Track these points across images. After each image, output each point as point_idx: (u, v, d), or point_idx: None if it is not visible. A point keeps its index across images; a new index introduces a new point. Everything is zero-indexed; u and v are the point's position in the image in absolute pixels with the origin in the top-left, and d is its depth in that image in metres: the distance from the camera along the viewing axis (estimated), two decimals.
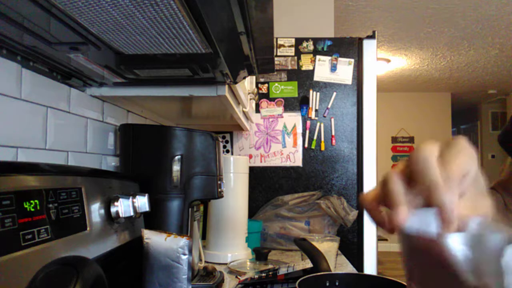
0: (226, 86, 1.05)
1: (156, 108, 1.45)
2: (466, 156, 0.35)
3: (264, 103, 1.93)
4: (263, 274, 1.11)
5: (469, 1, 3.30)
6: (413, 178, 0.35)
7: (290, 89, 1.93)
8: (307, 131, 1.92)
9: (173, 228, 1.02)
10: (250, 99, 1.58)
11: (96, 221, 0.69)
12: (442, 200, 0.32)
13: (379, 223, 0.37)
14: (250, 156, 1.93)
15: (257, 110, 1.93)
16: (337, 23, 3.39)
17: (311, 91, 1.92)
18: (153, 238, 0.81)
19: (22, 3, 0.57)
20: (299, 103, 1.93)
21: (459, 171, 0.34)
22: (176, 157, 1.02)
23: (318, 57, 1.92)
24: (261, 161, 1.93)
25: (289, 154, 1.92)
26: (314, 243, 1.17)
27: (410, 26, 3.87)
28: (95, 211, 0.70)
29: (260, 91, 1.93)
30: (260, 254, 1.39)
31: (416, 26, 3.88)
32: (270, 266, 1.30)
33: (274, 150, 1.93)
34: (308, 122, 1.92)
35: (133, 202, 0.78)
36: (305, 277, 0.87)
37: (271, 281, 1.10)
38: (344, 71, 1.91)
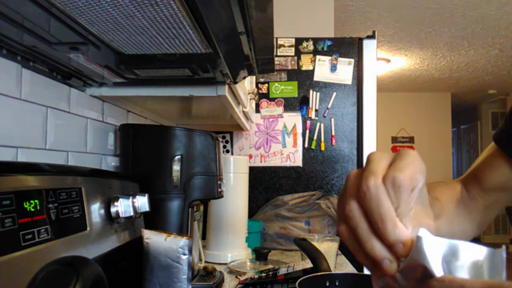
0: (226, 86, 1.05)
1: (156, 108, 1.45)
2: (416, 168, 0.37)
3: (264, 103, 1.93)
4: (263, 274, 1.11)
5: (469, 1, 3.30)
6: (364, 207, 0.37)
7: (290, 89, 1.93)
8: (307, 131, 1.92)
9: (173, 228, 1.02)
10: (250, 99, 1.58)
11: (96, 221, 0.69)
12: (392, 239, 0.35)
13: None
14: (250, 156, 1.93)
15: (257, 110, 1.93)
16: (337, 23, 3.39)
17: (311, 91, 1.92)
18: (153, 238, 0.81)
19: (22, 3, 0.57)
20: (299, 103, 1.93)
21: (410, 187, 0.36)
22: (176, 157, 1.02)
23: (318, 57, 1.92)
24: (261, 161, 1.93)
25: (289, 154, 1.92)
26: (314, 243, 1.17)
27: (410, 26, 3.87)
28: (95, 211, 0.70)
29: (260, 91, 1.93)
30: (260, 254, 1.39)
31: (416, 26, 3.88)
32: (270, 266, 1.30)
33: (274, 150, 1.93)
34: (308, 122, 1.92)
35: (133, 202, 0.78)
36: (305, 277, 0.87)
37: (271, 281, 1.10)
38: (344, 71, 1.91)
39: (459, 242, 0.34)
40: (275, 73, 1.92)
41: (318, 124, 1.92)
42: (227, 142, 1.95)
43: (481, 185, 0.73)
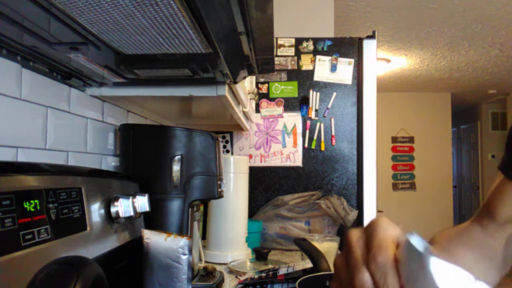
0: (226, 86, 1.05)
1: (156, 108, 1.45)
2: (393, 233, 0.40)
3: (264, 103, 1.93)
4: (263, 274, 1.11)
5: (469, 1, 3.30)
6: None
7: (290, 89, 1.93)
8: (307, 131, 1.92)
9: (173, 228, 1.02)
10: (250, 99, 1.58)
11: (96, 221, 0.69)
12: None
13: None
14: (250, 156, 1.93)
15: (257, 110, 1.93)
16: (337, 23, 3.38)
17: (311, 91, 1.92)
18: (153, 238, 0.81)
19: (22, 3, 0.57)
20: (299, 103, 1.93)
21: (393, 263, 0.38)
22: (176, 157, 1.02)
23: (318, 57, 1.92)
24: (261, 161, 1.93)
25: (289, 154, 1.92)
26: (314, 243, 1.17)
27: (410, 26, 3.87)
28: (95, 211, 0.70)
29: (260, 91, 1.93)
30: (260, 254, 1.39)
31: (416, 26, 3.88)
32: (270, 266, 1.30)
33: (274, 150, 1.93)
34: (308, 122, 1.92)
35: (133, 202, 0.78)
36: (305, 277, 0.87)
37: (271, 281, 1.10)
38: (344, 71, 1.91)
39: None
40: (275, 73, 1.92)
41: (318, 124, 1.92)
42: (227, 142, 1.95)
43: (496, 219, 0.70)
